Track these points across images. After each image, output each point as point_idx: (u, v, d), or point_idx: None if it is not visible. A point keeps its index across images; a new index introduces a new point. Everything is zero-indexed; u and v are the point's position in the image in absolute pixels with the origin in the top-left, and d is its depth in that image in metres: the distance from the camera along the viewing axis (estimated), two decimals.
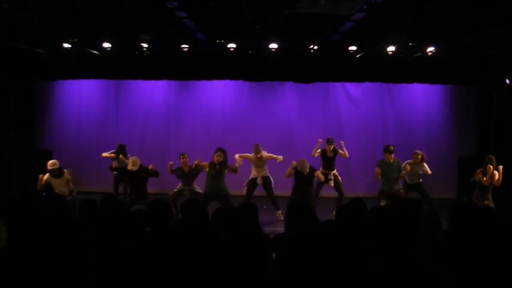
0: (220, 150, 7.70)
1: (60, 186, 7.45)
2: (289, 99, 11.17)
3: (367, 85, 10.60)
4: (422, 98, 11.10)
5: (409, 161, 8.10)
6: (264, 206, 8.37)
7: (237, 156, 8.24)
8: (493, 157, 7.15)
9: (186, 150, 8.68)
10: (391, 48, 8.14)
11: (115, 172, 8.92)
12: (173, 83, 11.00)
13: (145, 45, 8.30)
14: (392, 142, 10.52)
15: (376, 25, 6.89)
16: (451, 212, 3.42)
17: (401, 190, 7.90)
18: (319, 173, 7.82)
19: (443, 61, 9.06)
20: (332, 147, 8.54)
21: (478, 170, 7.21)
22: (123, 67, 9.35)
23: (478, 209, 3.82)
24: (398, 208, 3.62)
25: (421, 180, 8.18)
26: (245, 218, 3.62)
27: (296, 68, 9.44)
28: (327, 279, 3.13)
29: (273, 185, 8.51)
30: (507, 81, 9.50)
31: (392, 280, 3.07)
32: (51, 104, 11.11)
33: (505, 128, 9.69)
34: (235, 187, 8.72)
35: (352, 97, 11.20)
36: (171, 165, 8.26)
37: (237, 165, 8.00)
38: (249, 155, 8.50)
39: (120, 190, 9.23)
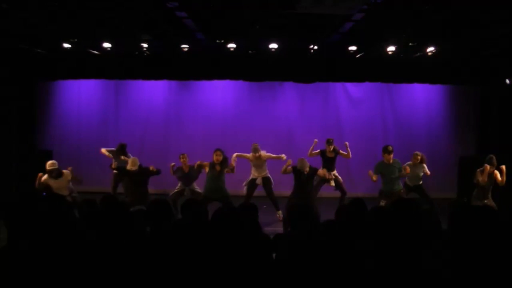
0: (219, 150, 7.70)
1: (60, 187, 7.44)
2: (289, 99, 11.18)
3: (367, 85, 10.61)
4: (422, 98, 11.11)
5: (409, 162, 8.09)
6: (264, 206, 8.37)
7: (234, 155, 8.22)
8: (494, 157, 7.14)
9: (186, 150, 8.69)
10: (391, 48, 8.15)
11: (115, 171, 8.92)
12: (173, 83, 11.01)
13: (145, 45, 8.30)
14: (392, 142, 10.52)
15: (376, 25, 6.88)
16: (451, 212, 3.41)
17: (402, 191, 7.86)
18: (321, 171, 7.77)
19: (443, 61, 9.06)
20: (332, 148, 8.52)
21: (478, 170, 7.20)
22: (123, 67, 9.35)
23: (478, 209, 3.82)
24: (398, 208, 3.62)
25: (421, 182, 8.17)
26: (245, 218, 3.62)
27: (296, 68, 9.44)
28: (327, 279, 3.13)
29: (273, 185, 8.50)
30: (507, 81, 9.50)
31: (392, 280, 3.07)
32: (51, 104, 11.11)
33: (505, 128, 9.69)
34: (235, 187, 8.73)
35: (352, 97, 11.21)
36: (173, 166, 8.26)
37: (233, 164, 7.98)
38: (247, 155, 8.49)
39: (121, 190, 9.22)
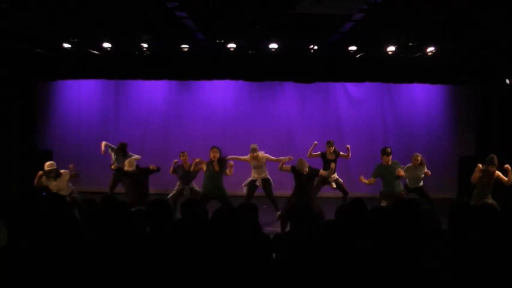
0: (216, 147, 7.66)
1: (59, 188, 7.44)
2: (289, 99, 11.18)
3: (367, 85, 10.60)
4: (422, 98, 11.10)
5: (409, 164, 8.07)
6: (264, 206, 8.36)
7: (230, 162, 8.14)
8: (495, 156, 7.13)
9: (186, 150, 8.67)
10: (391, 48, 8.15)
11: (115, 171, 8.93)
12: (173, 83, 11.00)
13: (145, 45, 8.30)
14: (392, 142, 10.56)
15: (376, 25, 6.88)
16: (451, 212, 3.42)
17: (403, 192, 7.82)
18: (323, 172, 7.76)
19: (443, 61, 9.06)
20: (332, 149, 8.51)
21: (479, 170, 7.21)
22: (123, 67, 9.35)
23: (478, 209, 3.82)
24: (398, 208, 3.62)
25: (421, 184, 8.15)
26: (245, 218, 3.62)
27: (296, 68, 9.44)
28: (327, 279, 3.13)
29: (272, 186, 8.49)
30: (507, 81, 9.50)
31: (392, 280, 3.07)
32: (51, 104, 11.11)
33: (505, 128, 9.69)
34: (235, 187, 8.72)
35: (352, 97, 11.21)
36: (176, 162, 8.24)
37: (230, 167, 7.92)
38: (243, 157, 8.40)
39: (121, 190, 9.22)
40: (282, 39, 7.99)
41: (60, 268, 2.99)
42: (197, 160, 8.02)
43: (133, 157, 8.62)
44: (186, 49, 8.46)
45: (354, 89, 11.14)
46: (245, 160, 8.41)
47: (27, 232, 3.12)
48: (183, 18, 6.77)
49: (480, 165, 7.07)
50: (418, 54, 8.60)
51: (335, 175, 8.52)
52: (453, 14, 6.06)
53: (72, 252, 3.12)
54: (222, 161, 7.64)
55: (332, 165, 7.89)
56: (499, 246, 3.17)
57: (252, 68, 9.38)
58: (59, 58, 9.10)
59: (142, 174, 7.45)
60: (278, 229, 7.15)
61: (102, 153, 9.13)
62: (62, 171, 7.56)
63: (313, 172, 7.31)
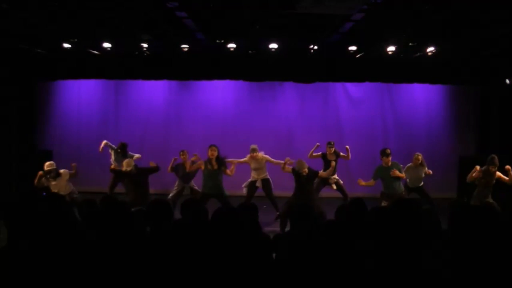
0: (214, 145, 7.63)
1: (58, 187, 7.45)
2: (289, 99, 11.17)
3: (367, 85, 10.60)
4: (422, 98, 11.10)
5: (409, 164, 8.08)
6: (264, 206, 8.36)
7: (232, 166, 8.14)
8: (496, 157, 7.14)
9: (186, 150, 8.68)
10: (391, 48, 8.15)
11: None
12: (173, 83, 11.00)
13: (145, 45, 8.30)
14: (392, 142, 10.57)
15: (376, 25, 6.88)
16: (451, 212, 3.42)
17: (404, 193, 7.80)
18: (323, 173, 7.75)
19: (443, 61, 9.06)
20: (333, 150, 8.51)
21: (479, 170, 7.22)
22: (123, 67, 9.35)
23: (478, 209, 3.82)
24: (398, 208, 3.62)
25: (422, 183, 8.16)
26: (245, 218, 3.62)
27: (296, 68, 9.44)
28: (327, 279, 3.13)
29: (272, 187, 8.48)
30: (507, 81, 9.50)
31: (392, 280, 3.07)
32: (51, 104, 11.11)
33: (505, 128, 9.69)
34: (235, 187, 8.72)
35: (352, 97, 11.21)
36: (175, 160, 8.24)
37: (233, 167, 7.91)
38: (242, 159, 8.39)
39: (121, 190, 9.23)
40: (282, 39, 7.99)
41: (60, 268, 2.99)
42: (193, 158, 8.01)
43: (134, 156, 8.64)
44: (186, 49, 8.46)
45: (354, 89, 11.14)
46: (245, 162, 8.39)
47: (27, 232, 3.12)
48: (183, 18, 6.77)
49: (478, 167, 7.10)
50: (418, 54, 8.60)
51: (336, 176, 8.52)
52: (453, 14, 6.06)
53: (72, 252, 3.12)
54: (220, 159, 7.62)
55: (333, 163, 7.88)
56: (499, 246, 3.17)
57: (252, 68, 9.38)
58: (59, 58, 9.10)
59: (141, 174, 7.44)
60: (278, 229, 7.14)
61: (100, 150, 9.13)
62: (61, 171, 7.57)
63: (313, 173, 7.31)
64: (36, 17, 6.46)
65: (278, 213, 8.24)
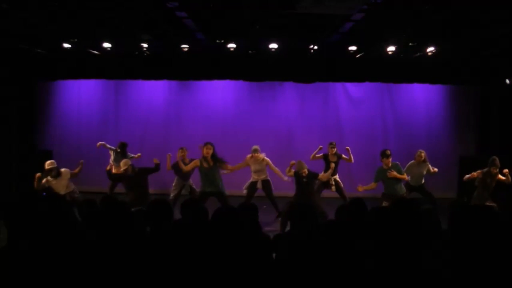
0: (209, 143, 7.57)
1: (59, 186, 7.44)
2: (289, 99, 11.17)
3: (367, 85, 10.60)
4: (422, 98, 11.10)
5: (412, 161, 8.07)
6: (264, 206, 8.36)
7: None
8: (497, 158, 7.14)
9: (185, 147, 8.70)
10: (391, 48, 8.14)
11: (114, 173, 8.92)
12: (173, 83, 11.00)
13: (145, 45, 8.30)
14: (392, 142, 10.57)
15: (376, 25, 6.88)
16: (451, 212, 3.42)
17: (405, 194, 7.75)
18: (323, 175, 7.73)
19: (443, 61, 9.06)
20: (334, 151, 8.50)
21: (480, 171, 7.23)
22: (123, 67, 9.35)
23: (478, 209, 3.82)
24: (398, 208, 3.62)
25: (423, 181, 8.16)
26: (245, 218, 3.62)
27: (296, 68, 9.44)
28: (327, 279, 3.13)
29: (273, 188, 8.48)
30: (507, 81, 9.50)
31: (392, 280, 3.07)
32: (51, 104, 11.11)
33: (505, 128, 9.69)
34: (235, 187, 8.72)
35: (352, 97, 11.21)
36: (170, 156, 8.19)
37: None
38: (242, 164, 8.38)
39: (121, 190, 9.23)
40: (282, 39, 7.99)
41: (60, 268, 2.99)
42: (179, 153, 7.98)
43: (131, 156, 8.65)
44: (186, 49, 8.46)
45: (354, 89, 11.14)
46: (245, 165, 8.35)
47: (27, 232, 3.12)
48: (183, 18, 6.77)
49: (478, 172, 7.16)
50: (418, 54, 8.60)
51: (337, 177, 8.51)
52: (453, 14, 6.06)
53: (72, 252, 3.12)
54: (216, 157, 7.58)
55: (332, 165, 7.87)
56: (499, 246, 3.17)
57: (252, 68, 9.37)
58: (59, 58, 9.10)
59: (141, 174, 7.43)
60: (278, 229, 7.14)
61: (97, 146, 9.13)
62: (62, 170, 7.55)
63: (313, 175, 7.30)
64: (36, 17, 6.46)
65: (278, 212, 8.24)
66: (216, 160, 7.52)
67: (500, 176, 7.10)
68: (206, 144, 7.56)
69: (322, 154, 8.62)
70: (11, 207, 3.22)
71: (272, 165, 8.32)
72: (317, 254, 3.25)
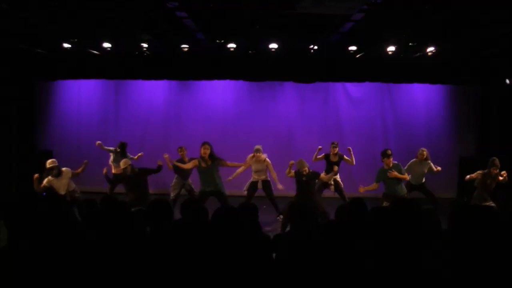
0: (206, 143, 7.57)
1: (60, 186, 7.43)
2: (289, 99, 11.17)
3: (367, 85, 10.60)
4: (422, 98, 11.10)
5: (414, 160, 8.08)
6: (264, 206, 8.37)
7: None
8: (497, 158, 7.15)
9: (184, 146, 8.71)
10: (391, 48, 8.14)
11: (114, 174, 8.93)
12: (173, 83, 11.00)
13: (145, 45, 8.30)
14: (392, 142, 10.56)
15: (376, 25, 6.88)
16: (451, 212, 3.42)
17: (406, 195, 7.73)
18: (324, 176, 7.72)
19: (443, 61, 9.06)
20: (336, 150, 8.48)
21: (480, 172, 7.23)
22: (123, 67, 9.35)
23: (478, 209, 3.82)
24: (398, 208, 3.62)
25: (424, 180, 8.17)
26: (245, 218, 3.62)
27: (296, 68, 9.44)
28: (327, 279, 3.13)
29: (273, 188, 8.48)
30: (507, 81, 9.50)
31: (392, 280, 3.07)
32: (51, 104, 11.11)
33: (505, 128, 9.69)
34: (235, 188, 8.72)
35: (352, 97, 11.21)
36: (168, 157, 8.22)
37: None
38: (243, 167, 8.37)
39: (121, 190, 9.23)
40: (282, 39, 7.99)
41: (60, 268, 2.99)
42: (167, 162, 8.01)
43: (134, 158, 8.65)
44: (186, 49, 8.46)
45: (354, 89, 11.14)
46: (246, 166, 8.33)
47: (27, 232, 3.12)
48: (183, 18, 6.77)
49: (478, 173, 7.17)
50: (418, 54, 8.60)
51: (338, 178, 8.51)
52: (453, 14, 6.05)
53: (72, 252, 3.12)
54: (214, 156, 7.57)
55: (335, 168, 7.86)
56: (499, 246, 3.17)
57: (252, 68, 9.37)
58: (59, 58, 9.10)
59: (140, 174, 7.43)
60: (278, 229, 7.14)
61: (96, 145, 9.16)
62: (63, 169, 7.55)
63: (314, 174, 7.29)
64: (36, 17, 6.45)
65: (280, 216, 8.22)
66: (214, 159, 7.52)
67: (499, 176, 7.11)
68: (203, 144, 7.56)
69: (323, 154, 8.60)
70: (11, 207, 3.22)
71: (272, 169, 8.33)
72: (317, 254, 3.25)
